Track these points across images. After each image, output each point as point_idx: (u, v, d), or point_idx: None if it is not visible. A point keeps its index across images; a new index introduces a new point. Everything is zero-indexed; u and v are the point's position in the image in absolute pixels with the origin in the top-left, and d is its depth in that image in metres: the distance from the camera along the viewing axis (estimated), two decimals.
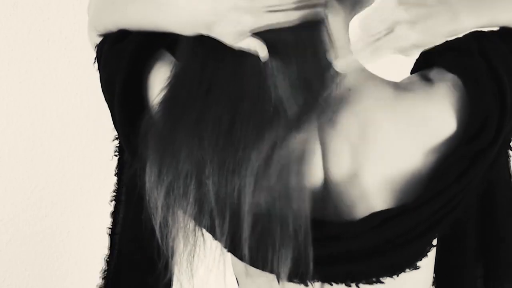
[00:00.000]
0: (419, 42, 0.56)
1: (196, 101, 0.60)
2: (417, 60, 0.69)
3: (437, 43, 0.59)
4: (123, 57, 0.66)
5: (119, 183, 0.75)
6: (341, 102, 0.62)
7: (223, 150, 0.57)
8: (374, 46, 0.57)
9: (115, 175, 0.75)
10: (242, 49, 0.58)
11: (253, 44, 0.57)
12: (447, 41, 0.62)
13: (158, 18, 0.62)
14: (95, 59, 0.71)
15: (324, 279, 0.62)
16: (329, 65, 0.59)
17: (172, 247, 0.63)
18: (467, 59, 0.62)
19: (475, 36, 0.63)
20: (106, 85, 0.68)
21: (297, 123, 0.57)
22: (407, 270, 0.61)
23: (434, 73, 0.64)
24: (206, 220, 0.60)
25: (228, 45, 0.58)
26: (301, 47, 0.58)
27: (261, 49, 0.57)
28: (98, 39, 0.71)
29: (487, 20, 0.61)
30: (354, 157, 0.61)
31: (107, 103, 0.69)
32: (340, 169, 0.62)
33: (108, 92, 0.68)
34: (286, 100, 0.57)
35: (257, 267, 0.62)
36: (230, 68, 0.59)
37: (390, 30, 0.56)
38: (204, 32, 0.58)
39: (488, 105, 0.59)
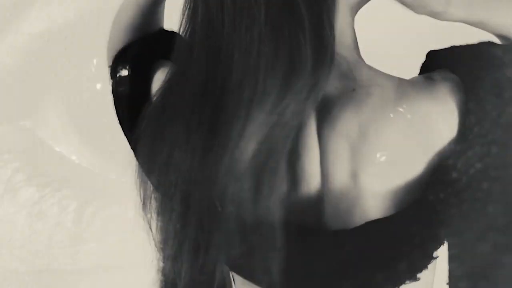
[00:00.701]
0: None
1: (179, 108, 0.59)
2: (423, 64, 0.68)
3: (415, 12, 0.60)
4: (124, 72, 0.69)
5: None
6: (343, 102, 0.61)
7: (200, 163, 0.57)
8: None
9: None
10: None
11: None
12: (454, 46, 0.62)
13: None
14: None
15: None
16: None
17: (167, 255, 0.64)
18: (471, 61, 0.61)
19: (483, 43, 0.62)
20: (115, 100, 0.71)
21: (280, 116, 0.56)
22: (407, 282, 0.60)
23: (437, 74, 0.63)
24: (191, 232, 0.59)
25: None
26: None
27: None
28: None
29: (476, 20, 0.61)
30: (353, 158, 0.60)
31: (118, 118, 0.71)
32: (339, 171, 0.61)
33: (116, 103, 0.71)
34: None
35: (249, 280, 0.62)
36: (214, 71, 0.58)
37: None
38: None
39: (486, 108, 0.58)
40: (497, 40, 0.64)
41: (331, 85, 0.61)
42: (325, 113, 0.60)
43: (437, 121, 0.60)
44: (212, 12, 0.57)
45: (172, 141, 0.59)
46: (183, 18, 0.60)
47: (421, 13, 0.61)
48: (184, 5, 0.60)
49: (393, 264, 0.59)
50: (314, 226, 0.61)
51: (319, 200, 0.62)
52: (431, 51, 0.65)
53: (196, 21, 0.59)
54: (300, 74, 0.55)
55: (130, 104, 0.69)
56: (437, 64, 0.64)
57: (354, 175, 0.60)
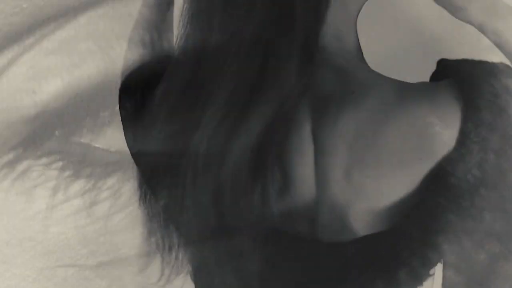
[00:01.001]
0: None
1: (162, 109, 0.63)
2: (433, 72, 0.67)
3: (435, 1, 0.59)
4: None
5: None
6: (342, 104, 0.60)
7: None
8: None
9: None
10: None
11: None
12: (465, 59, 0.62)
13: None
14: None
15: None
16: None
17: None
18: (471, 70, 0.60)
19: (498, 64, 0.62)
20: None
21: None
22: None
23: (443, 83, 0.62)
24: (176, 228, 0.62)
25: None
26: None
27: None
28: None
29: (491, 29, 0.61)
30: (350, 160, 0.60)
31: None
32: (335, 173, 0.60)
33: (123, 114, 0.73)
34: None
35: None
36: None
37: None
38: None
39: (482, 114, 0.57)
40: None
41: (329, 88, 0.61)
42: (322, 115, 0.60)
43: (437, 127, 0.59)
44: (202, 32, 0.60)
45: (155, 139, 0.62)
46: (178, 33, 0.63)
47: (440, 4, 0.60)
48: (181, 18, 0.63)
49: (393, 271, 0.59)
50: (307, 236, 0.61)
51: (312, 206, 0.62)
52: (441, 59, 0.65)
53: (187, 38, 0.62)
54: (268, 86, 0.56)
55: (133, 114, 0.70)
56: (447, 73, 0.63)
57: (351, 178, 0.60)
